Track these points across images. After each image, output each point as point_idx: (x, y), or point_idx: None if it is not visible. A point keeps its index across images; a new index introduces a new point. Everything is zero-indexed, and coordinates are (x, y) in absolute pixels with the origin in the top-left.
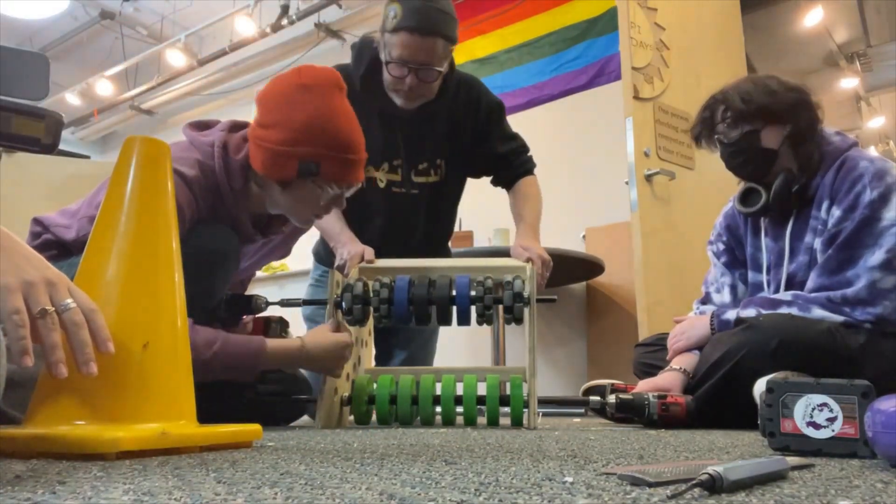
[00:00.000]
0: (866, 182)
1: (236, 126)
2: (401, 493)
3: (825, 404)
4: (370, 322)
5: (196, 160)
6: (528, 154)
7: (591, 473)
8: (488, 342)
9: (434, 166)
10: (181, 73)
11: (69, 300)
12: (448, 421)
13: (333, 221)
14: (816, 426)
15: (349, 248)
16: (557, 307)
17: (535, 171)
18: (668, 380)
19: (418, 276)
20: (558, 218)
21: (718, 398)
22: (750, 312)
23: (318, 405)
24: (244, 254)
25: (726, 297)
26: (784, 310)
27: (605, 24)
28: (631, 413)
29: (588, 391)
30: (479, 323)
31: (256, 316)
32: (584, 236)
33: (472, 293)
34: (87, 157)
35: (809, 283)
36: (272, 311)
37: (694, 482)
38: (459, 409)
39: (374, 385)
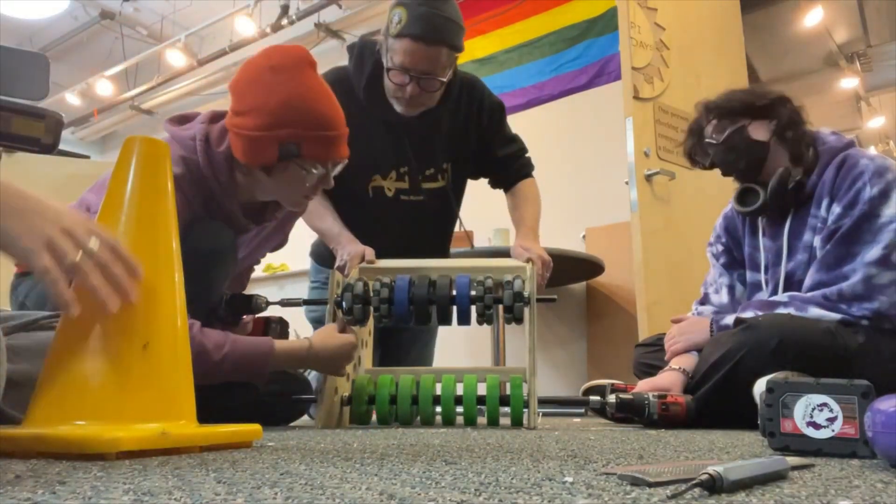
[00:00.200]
0: (867, 179)
1: (216, 116)
2: (401, 493)
3: (825, 404)
4: (370, 322)
5: (180, 157)
6: (527, 156)
7: (591, 473)
8: (488, 342)
9: (441, 171)
10: (181, 73)
11: (92, 242)
12: (448, 421)
13: (331, 223)
14: (816, 426)
15: (349, 248)
16: (557, 307)
17: (536, 171)
18: (668, 380)
19: (418, 276)
20: (558, 218)
21: (718, 398)
22: (748, 315)
23: (318, 405)
24: (240, 244)
25: (724, 297)
26: (781, 311)
27: (605, 24)
28: (631, 413)
29: (588, 391)
30: (480, 323)
31: (256, 316)
32: (584, 236)
33: (473, 293)
34: (87, 157)
35: (807, 280)
36: (272, 311)
37: (694, 482)
38: (459, 409)
39: (374, 385)
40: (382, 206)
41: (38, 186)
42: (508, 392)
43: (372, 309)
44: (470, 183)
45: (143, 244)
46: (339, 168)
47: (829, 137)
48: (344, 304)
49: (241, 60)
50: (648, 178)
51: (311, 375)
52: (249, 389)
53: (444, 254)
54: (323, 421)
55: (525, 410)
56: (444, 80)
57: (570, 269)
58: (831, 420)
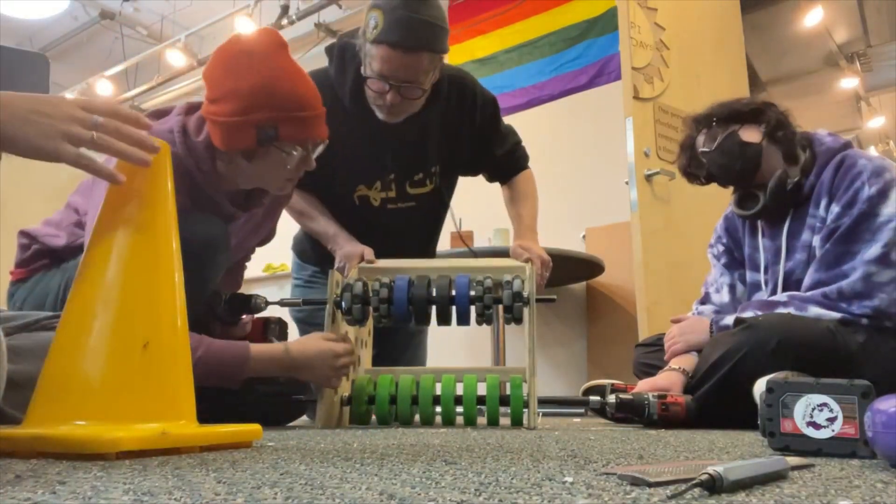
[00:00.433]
0: (865, 179)
1: (193, 108)
2: (401, 493)
3: (825, 404)
4: (370, 322)
5: None
6: (523, 148)
7: (591, 473)
8: (488, 342)
9: (429, 175)
10: (181, 73)
11: (96, 117)
12: (448, 421)
13: (326, 224)
14: (816, 426)
15: (348, 249)
16: (557, 307)
17: (536, 171)
18: (668, 380)
19: (418, 276)
20: (558, 218)
21: (718, 398)
22: (748, 315)
23: (318, 405)
24: (230, 233)
25: (725, 296)
26: (781, 311)
27: (605, 24)
28: (631, 413)
29: (588, 391)
30: (479, 323)
31: (255, 316)
32: (584, 236)
33: (472, 293)
34: None
35: (807, 279)
36: (271, 312)
37: (694, 482)
38: (459, 409)
39: (374, 385)
40: (369, 214)
41: (38, 186)
42: (508, 392)
43: (371, 309)
44: (470, 183)
45: (143, 244)
46: (319, 149)
47: (825, 138)
48: (343, 304)
49: None
50: (648, 178)
51: None
52: (249, 389)
53: (431, 255)
54: (323, 421)
55: (525, 410)
56: (427, 87)
57: (570, 269)
58: (831, 420)
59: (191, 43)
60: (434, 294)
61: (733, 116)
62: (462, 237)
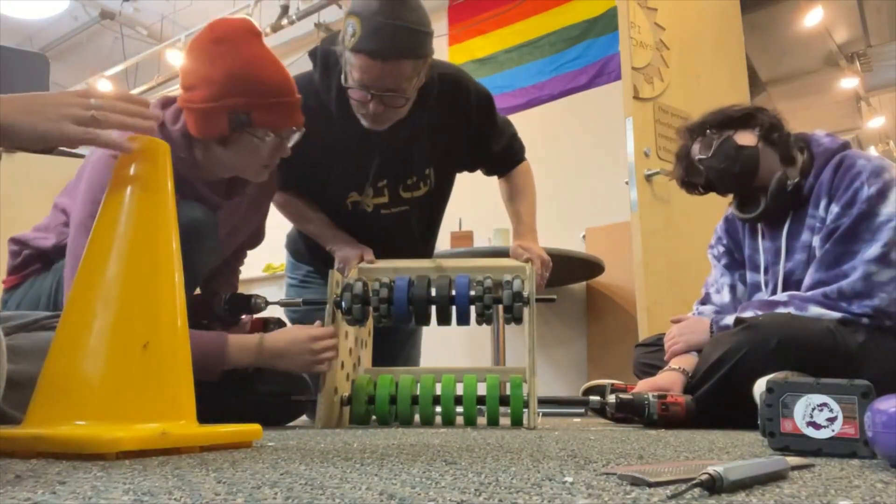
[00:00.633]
0: (864, 178)
1: (169, 101)
2: (401, 493)
3: (825, 404)
4: (370, 322)
5: None
6: (519, 140)
7: (591, 473)
8: (488, 342)
9: (423, 178)
10: None
11: (93, 99)
12: (448, 421)
13: (324, 226)
14: (816, 426)
15: (347, 250)
16: (557, 307)
17: (536, 171)
18: (668, 380)
19: (418, 276)
20: (558, 218)
21: (718, 398)
22: (748, 315)
23: (317, 405)
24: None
25: (726, 297)
26: (781, 310)
27: (605, 24)
28: (631, 413)
29: (588, 391)
30: (479, 323)
31: (255, 316)
32: (584, 236)
33: (472, 293)
34: None
35: (807, 279)
36: (271, 312)
37: (694, 482)
38: (459, 409)
39: (374, 385)
40: (363, 219)
41: (38, 186)
42: (508, 392)
43: (371, 309)
44: (470, 182)
45: (142, 244)
46: (295, 137)
47: (823, 139)
48: (343, 304)
49: None
50: (648, 178)
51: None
52: (249, 389)
53: (429, 256)
54: (323, 421)
55: (525, 410)
56: (410, 95)
57: (570, 269)
58: (831, 420)
59: None
60: (434, 294)
61: (726, 122)
62: (464, 235)
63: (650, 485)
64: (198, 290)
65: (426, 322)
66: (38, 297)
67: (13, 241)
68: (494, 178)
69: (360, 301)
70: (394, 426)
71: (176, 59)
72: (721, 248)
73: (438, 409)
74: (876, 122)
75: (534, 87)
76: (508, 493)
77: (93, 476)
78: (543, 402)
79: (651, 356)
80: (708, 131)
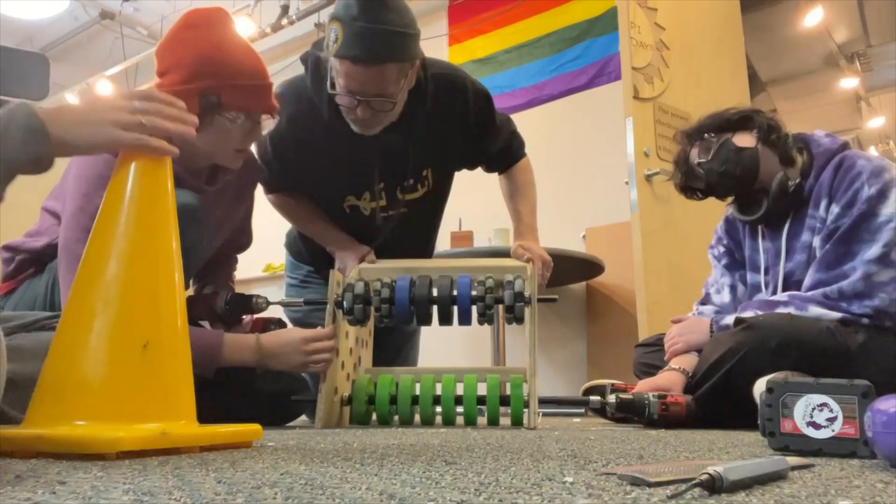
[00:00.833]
0: (864, 179)
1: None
2: (401, 493)
3: (825, 404)
4: (371, 322)
5: None
6: (518, 137)
7: (591, 473)
8: (488, 342)
9: (420, 180)
10: None
11: (136, 102)
12: (448, 421)
13: (325, 228)
14: (816, 426)
15: (348, 250)
16: (557, 307)
17: (536, 171)
18: (668, 380)
19: (419, 276)
20: (558, 218)
21: (718, 398)
22: (748, 315)
23: (317, 405)
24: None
25: (726, 297)
26: (781, 310)
27: (605, 24)
28: (631, 413)
29: (588, 391)
30: (480, 323)
31: (256, 316)
32: (584, 236)
33: (473, 293)
34: None
35: (807, 280)
36: (272, 311)
37: (694, 482)
38: (459, 409)
39: (374, 385)
40: (361, 222)
41: (38, 186)
42: (508, 392)
43: (373, 309)
44: (470, 182)
45: (142, 244)
46: (270, 122)
47: (823, 140)
48: (345, 304)
49: None
50: (648, 178)
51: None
52: (249, 389)
53: (429, 255)
54: (323, 421)
55: (525, 410)
56: (397, 99)
57: (570, 269)
58: (831, 420)
59: None
60: (436, 294)
61: (724, 126)
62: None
63: (650, 485)
64: (190, 291)
65: (427, 322)
66: (34, 298)
67: (5, 248)
68: (494, 177)
69: (362, 301)
70: (394, 426)
71: None
72: (721, 249)
73: (439, 409)
74: (876, 122)
75: (534, 87)
76: (508, 493)
77: (93, 476)
78: (543, 402)
79: (651, 356)
80: (706, 135)
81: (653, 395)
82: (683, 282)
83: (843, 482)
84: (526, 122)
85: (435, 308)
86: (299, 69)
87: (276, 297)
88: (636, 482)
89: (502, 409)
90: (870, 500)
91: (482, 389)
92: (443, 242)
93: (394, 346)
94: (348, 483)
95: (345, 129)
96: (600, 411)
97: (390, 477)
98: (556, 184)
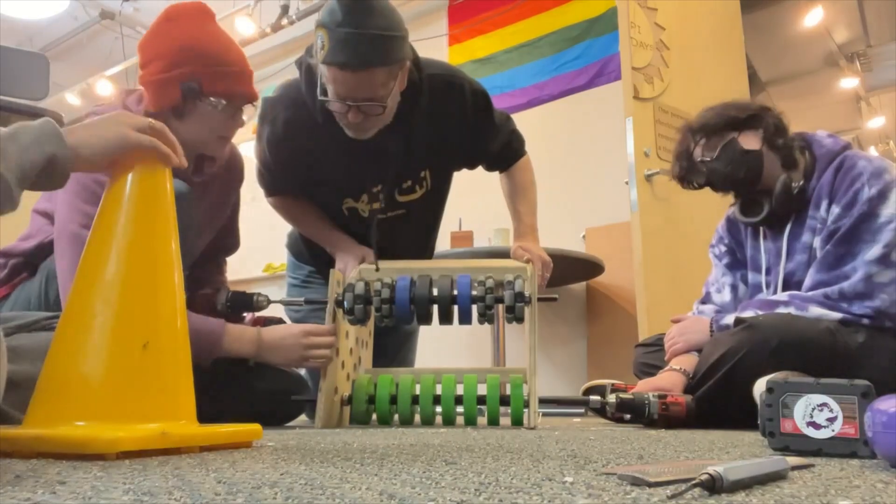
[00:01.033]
0: (865, 180)
1: (131, 91)
2: (401, 493)
3: (825, 404)
4: (371, 322)
5: None
6: (518, 135)
7: (591, 473)
8: (488, 342)
9: (418, 181)
10: None
11: (143, 119)
12: (448, 421)
13: (324, 229)
14: (816, 426)
15: (348, 252)
16: (557, 307)
17: (536, 171)
18: (668, 380)
19: (419, 276)
20: (558, 218)
21: (718, 398)
22: (748, 314)
23: (317, 405)
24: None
25: (727, 296)
26: (781, 310)
27: (605, 24)
28: (631, 413)
29: (588, 391)
30: (481, 322)
31: (257, 315)
32: (584, 236)
33: (474, 293)
34: None
35: (807, 280)
36: (273, 310)
37: (694, 482)
38: (460, 409)
39: (374, 385)
40: (360, 225)
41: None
42: (508, 392)
43: (373, 309)
44: (470, 183)
45: (142, 244)
46: (251, 109)
47: (825, 140)
48: (346, 303)
49: None
50: (648, 178)
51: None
52: (249, 389)
53: (429, 256)
54: (323, 421)
55: (525, 410)
56: (387, 102)
57: (570, 269)
58: (831, 420)
59: None
60: (436, 294)
61: (730, 124)
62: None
63: (650, 485)
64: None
65: (428, 321)
66: (29, 299)
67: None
68: (494, 177)
69: (362, 301)
70: (394, 426)
71: None
72: (723, 248)
73: (439, 409)
74: (876, 122)
75: (534, 87)
76: (508, 493)
77: (93, 476)
78: (543, 401)
79: (651, 356)
80: (711, 132)
81: (653, 395)
82: (684, 282)
83: (843, 482)
84: (526, 122)
85: (435, 308)
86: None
87: (276, 297)
88: (636, 482)
89: (502, 409)
90: (870, 500)
91: (482, 389)
92: (443, 242)
93: (391, 348)
94: (348, 483)
95: (340, 133)
96: (600, 411)
97: (390, 477)
98: (556, 184)
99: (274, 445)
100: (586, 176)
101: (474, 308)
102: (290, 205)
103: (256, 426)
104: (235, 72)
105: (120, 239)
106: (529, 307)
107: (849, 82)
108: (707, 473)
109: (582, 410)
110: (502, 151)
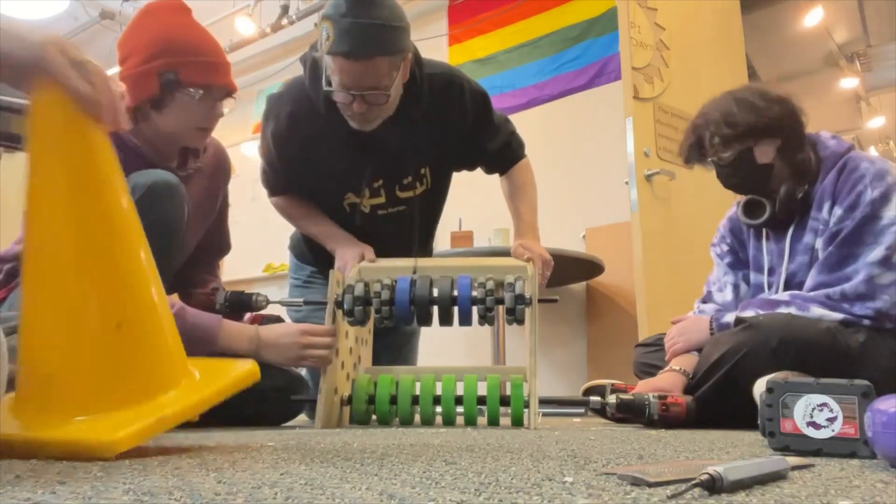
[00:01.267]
0: (867, 182)
1: None
2: (401, 493)
3: (825, 404)
4: (371, 321)
5: None
6: (518, 138)
7: (591, 473)
8: (488, 342)
9: (419, 177)
10: None
11: (81, 57)
12: (448, 421)
13: (324, 226)
14: (816, 426)
15: (347, 249)
16: (557, 307)
17: (536, 171)
18: (668, 381)
19: (420, 277)
20: (558, 218)
21: (718, 398)
22: (749, 314)
23: (317, 405)
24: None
25: (728, 295)
26: (782, 310)
27: (605, 24)
28: (631, 413)
29: (588, 391)
30: (481, 324)
31: (255, 314)
32: (584, 236)
33: (474, 294)
34: None
35: (809, 281)
36: (273, 311)
37: (694, 482)
38: (460, 409)
39: (374, 385)
40: (360, 221)
41: None
42: (508, 392)
43: (373, 310)
44: (470, 183)
45: (91, 214)
46: (231, 102)
47: (829, 141)
48: (345, 304)
49: (241, 60)
50: (648, 178)
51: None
52: (249, 388)
53: (427, 253)
54: (323, 421)
55: (525, 410)
56: (391, 91)
57: (570, 269)
58: (831, 420)
59: None
60: (436, 295)
61: (750, 132)
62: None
63: (650, 485)
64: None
65: (428, 322)
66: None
67: None
68: (494, 177)
69: (362, 302)
70: (394, 426)
71: None
72: (725, 247)
73: (439, 408)
74: (876, 122)
75: (534, 87)
76: (508, 493)
77: (93, 476)
78: (544, 402)
79: (651, 356)
80: (729, 137)
81: (653, 396)
82: (683, 282)
83: (843, 482)
84: (526, 122)
85: (435, 309)
86: (299, 69)
87: (276, 297)
88: (636, 482)
89: (502, 409)
90: (870, 500)
91: (482, 389)
92: (443, 242)
93: (392, 348)
94: (348, 483)
95: (344, 126)
96: (600, 411)
97: (390, 477)
98: (556, 184)
99: (274, 445)
100: (586, 176)
101: (474, 309)
102: (292, 204)
103: (251, 363)
104: (211, 62)
105: (60, 209)
106: (530, 308)
107: (849, 82)
108: (707, 473)
109: (582, 410)
110: (501, 152)
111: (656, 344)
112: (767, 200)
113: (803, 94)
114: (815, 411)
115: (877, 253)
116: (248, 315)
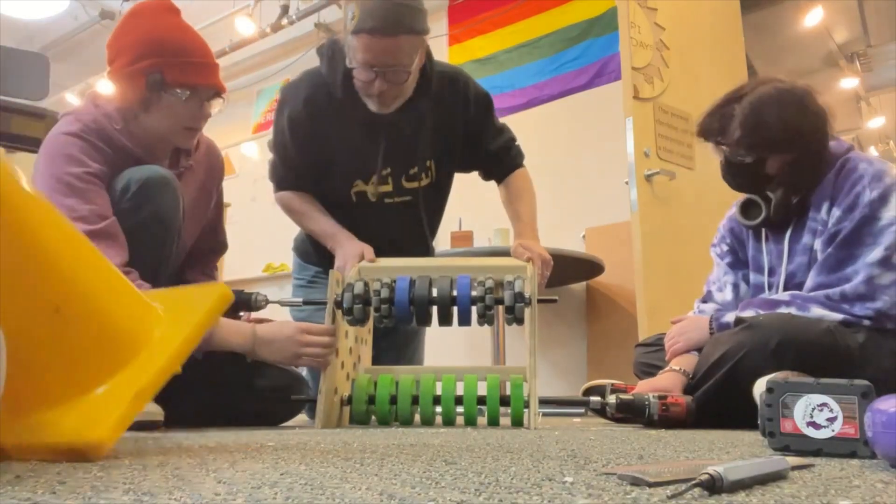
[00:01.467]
0: (866, 183)
1: (98, 96)
2: (401, 493)
3: (825, 404)
4: (370, 321)
5: (74, 118)
6: (518, 146)
7: (591, 473)
8: (488, 342)
9: (424, 169)
10: None
11: None
12: (448, 421)
13: (325, 223)
14: (816, 426)
15: (347, 247)
16: (557, 307)
17: (536, 171)
18: (668, 381)
19: (419, 276)
20: (558, 218)
21: (718, 398)
22: (749, 314)
23: (317, 405)
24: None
25: (728, 295)
26: (782, 310)
27: (605, 24)
28: (631, 413)
29: (588, 391)
30: (480, 324)
31: (254, 314)
32: (584, 236)
33: (473, 293)
34: None
35: (809, 282)
36: (273, 311)
37: (694, 482)
38: (460, 409)
39: (374, 385)
40: (366, 210)
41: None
42: (508, 392)
43: (372, 309)
44: (470, 183)
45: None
46: (219, 102)
47: (829, 143)
48: (344, 304)
49: (241, 60)
50: (648, 178)
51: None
52: (248, 387)
53: (428, 249)
54: (323, 421)
55: (525, 410)
56: (411, 69)
57: (570, 269)
58: (831, 420)
59: None
60: (435, 294)
61: (773, 145)
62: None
63: (650, 485)
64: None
65: (427, 322)
66: None
67: None
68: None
69: (361, 301)
70: (394, 426)
71: None
72: (725, 247)
73: (439, 408)
74: (876, 122)
75: (534, 87)
76: (508, 493)
77: (93, 476)
78: (544, 402)
79: (651, 356)
80: (747, 144)
81: (653, 396)
82: (683, 282)
83: (843, 482)
84: (526, 122)
85: (434, 308)
86: (299, 69)
87: (275, 298)
88: (636, 482)
89: (502, 409)
90: (870, 500)
91: (482, 389)
92: (443, 242)
93: (398, 344)
94: (348, 483)
95: (359, 110)
96: (600, 411)
97: (390, 477)
98: (556, 184)
99: (274, 445)
100: (586, 176)
101: (474, 309)
102: (296, 201)
103: (221, 286)
104: (198, 63)
105: None
106: (529, 308)
107: (849, 82)
108: (707, 473)
109: (582, 411)
110: (499, 154)
111: (656, 344)
112: (763, 202)
113: None
114: (815, 411)
115: (876, 253)
116: (245, 315)
